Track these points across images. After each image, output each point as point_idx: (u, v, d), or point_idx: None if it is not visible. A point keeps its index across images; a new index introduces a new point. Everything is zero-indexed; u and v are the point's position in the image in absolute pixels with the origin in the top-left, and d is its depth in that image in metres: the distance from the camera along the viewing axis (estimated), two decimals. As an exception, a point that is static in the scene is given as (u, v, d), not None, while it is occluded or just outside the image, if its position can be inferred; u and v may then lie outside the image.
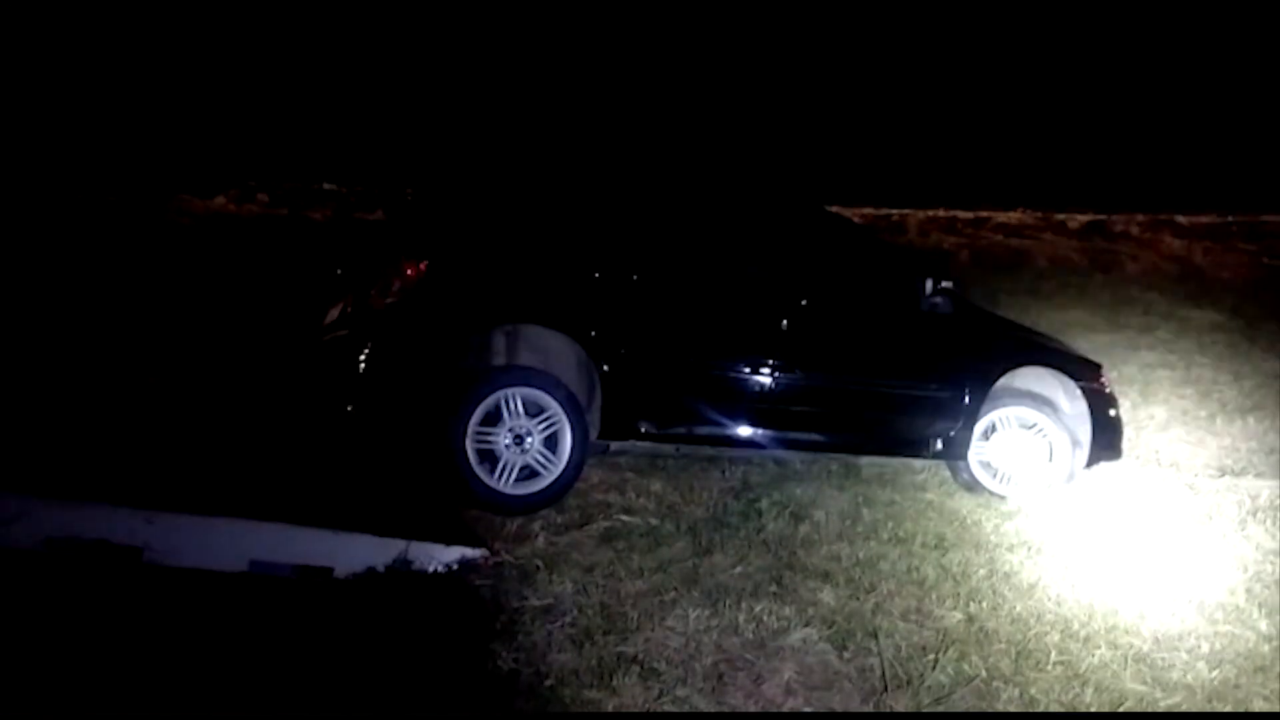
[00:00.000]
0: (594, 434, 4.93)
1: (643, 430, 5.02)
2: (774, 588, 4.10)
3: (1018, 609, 4.08)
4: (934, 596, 4.13)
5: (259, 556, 3.81)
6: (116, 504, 3.64)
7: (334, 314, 5.24)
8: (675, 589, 4.03)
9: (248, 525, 3.85)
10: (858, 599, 4.05)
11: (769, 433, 5.26)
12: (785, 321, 5.25)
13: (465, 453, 4.63)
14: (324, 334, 5.31)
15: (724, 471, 5.55)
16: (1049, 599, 4.21)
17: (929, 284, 5.59)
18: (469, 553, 4.16)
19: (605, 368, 4.90)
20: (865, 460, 5.76)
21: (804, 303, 5.34)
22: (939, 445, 5.59)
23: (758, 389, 5.20)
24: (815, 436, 5.39)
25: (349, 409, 4.84)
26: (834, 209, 6.28)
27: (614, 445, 5.11)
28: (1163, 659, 3.77)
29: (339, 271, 5.48)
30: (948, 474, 5.85)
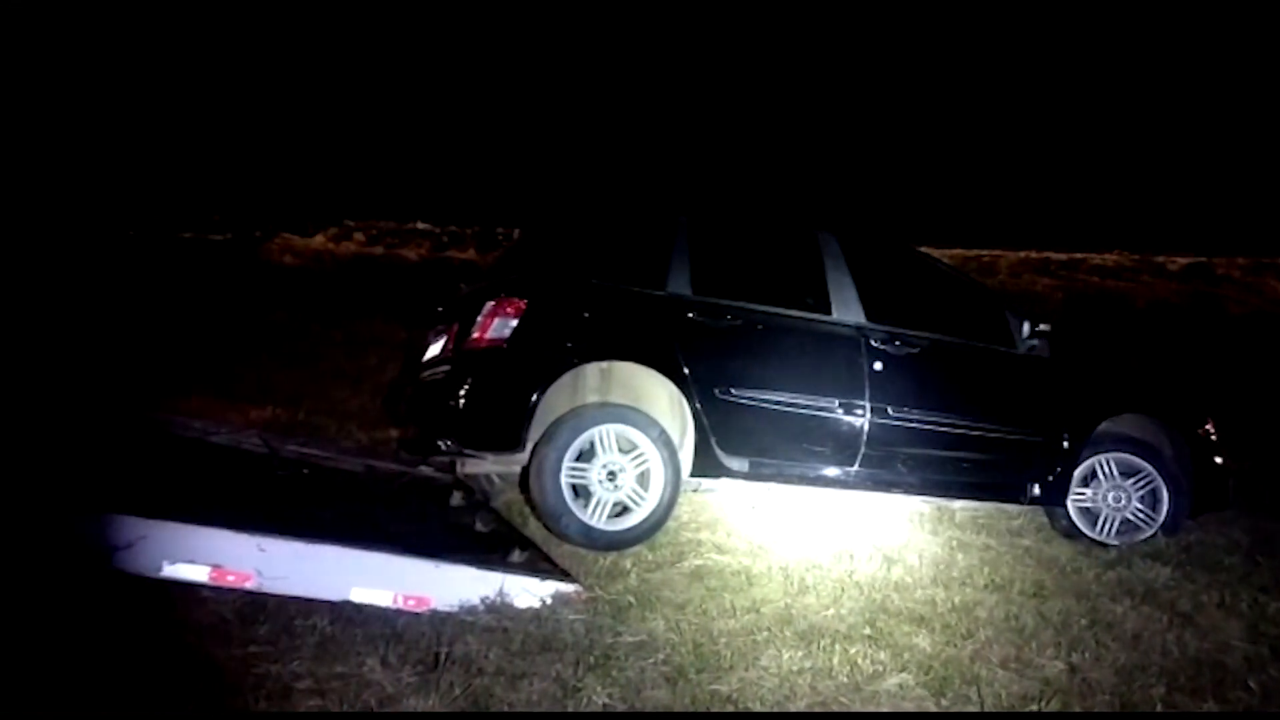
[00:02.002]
0: (686, 472, 4.96)
1: (734, 469, 5.03)
2: (868, 631, 4.05)
3: (1122, 660, 3.96)
4: (1034, 645, 4.03)
5: (361, 584, 3.90)
6: (231, 529, 3.78)
7: (434, 351, 5.38)
8: (768, 629, 4.01)
9: (352, 553, 3.94)
10: (955, 646, 3.98)
11: (861, 474, 5.22)
12: (879, 362, 5.24)
13: (559, 488, 4.70)
14: (423, 370, 5.46)
15: (815, 512, 5.52)
16: (1155, 650, 4.09)
17: (1026, 326, 5.53)
18: (563, 587, 4.19)
19: (697, 406, 4.94)
20: (959, 504, 5.68)
21: (898, 343, 5.32)
22: (1036, 490, 5.49)
23: (850, 431, 5.17)
24: (908, 479, 5.32)
25: (447, 444, 4.96)
26: (924, 250, 6.24)
27: (705, 483, 5.11)
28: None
29: (439, 309, 5.62)
30: (1045, 520, 5.73)
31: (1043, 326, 5.55)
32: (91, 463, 4.56)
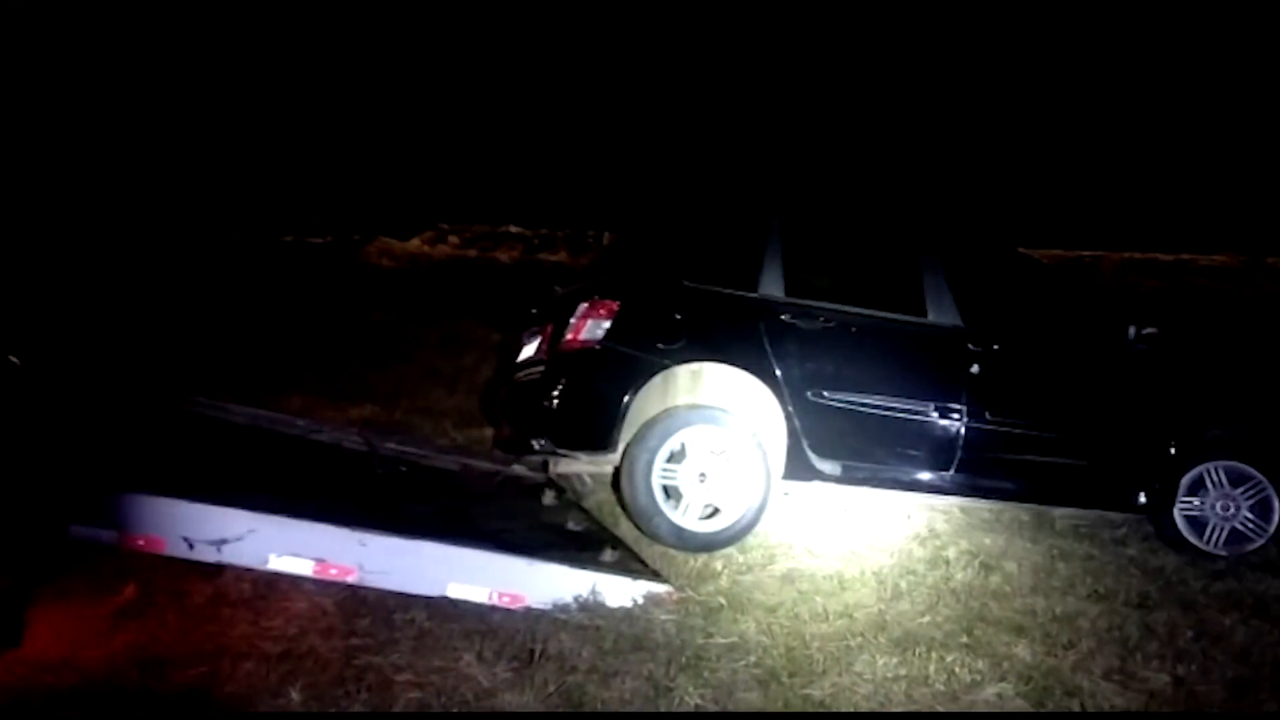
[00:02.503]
0: (778, 475, 4.94)
1: (826, 472, 4.98)
2: (965, 639, 3.99)
3: (1230, 674, 3.83)
4: (1138, 657, 3.92)
5: (458, 580, 3.98)
6: (334, 524, 3.90)
7: (528, 352, 5.45)
8: (861, 634, 3.97)
9: (450, 549, 4.03)
10: (1055, 656, 3.89)
11: (958, 480, 5.13)
12: (976, 366, 5.14)
13: (650, 489, 4.72)
14: (518, 371, 5.54)
15: (909, 517, 5.44)
16: (1266, 664, 3.94)
17: (1132, 330, 5.37)
18: (654, 587, 4.22)
19: (789, 409, 4.91)
20: (1059, 511, 5.53)
21: (996, 347, 5.21)
22: (1141, 498, 5.32)
23: (946, 435, 5.09)
24: (1006, 485, 5.22)
25: (541, 443, 5.02)
26: (1024, 251, 6.11)
27: (797, 486, 5.07)
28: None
29: (533, 311, 5.70)
30: (1150, 529, 5.56)
31: (1149, 330, 5.38)
32: (205, 458, 4.73)
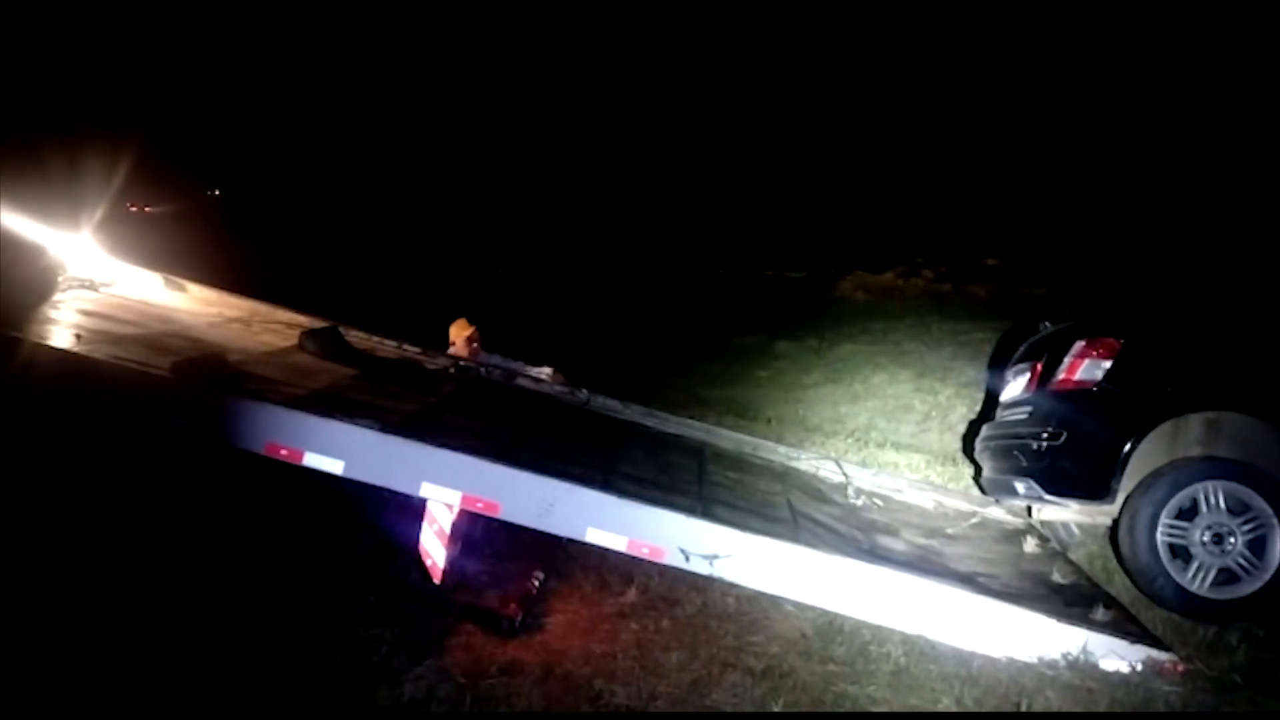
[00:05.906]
0: (1311, 542, 4.27)
1: (1380, 545, 4.22)
2: None
3: None
4: None
5: (934, 619, 3.92)
6: (818, 550, 4.03)
7: (1014, 390, 5.23)
8: None
9: (928, 586, 3.98)
10: None
11: None
12: None
13: (1154, 546, 4.31)
14: (1002, 410, 5.33)
15: None
16: None
17: None
18: (1155, 654, 3.84)
19: (1329, 468, 4.23)
20: None
21: None
22: None
23: None
24: None
25: (1026, 487, 4.79)
26: None
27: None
28: None
29: (1020, 347, 5.46)
30: None
31: None
32: (699, 481, 5.11)
